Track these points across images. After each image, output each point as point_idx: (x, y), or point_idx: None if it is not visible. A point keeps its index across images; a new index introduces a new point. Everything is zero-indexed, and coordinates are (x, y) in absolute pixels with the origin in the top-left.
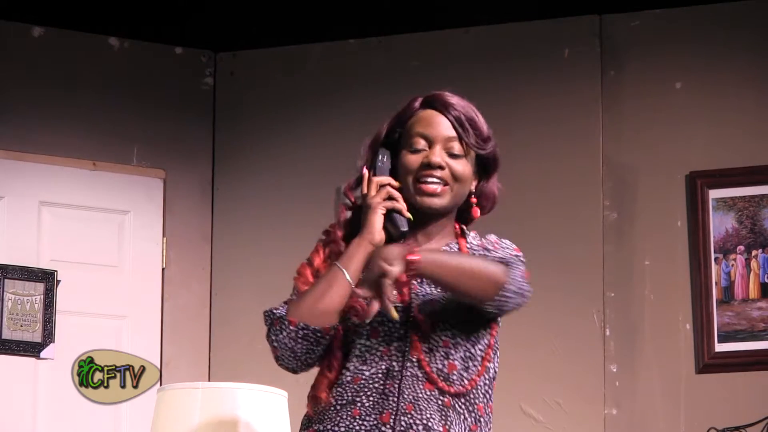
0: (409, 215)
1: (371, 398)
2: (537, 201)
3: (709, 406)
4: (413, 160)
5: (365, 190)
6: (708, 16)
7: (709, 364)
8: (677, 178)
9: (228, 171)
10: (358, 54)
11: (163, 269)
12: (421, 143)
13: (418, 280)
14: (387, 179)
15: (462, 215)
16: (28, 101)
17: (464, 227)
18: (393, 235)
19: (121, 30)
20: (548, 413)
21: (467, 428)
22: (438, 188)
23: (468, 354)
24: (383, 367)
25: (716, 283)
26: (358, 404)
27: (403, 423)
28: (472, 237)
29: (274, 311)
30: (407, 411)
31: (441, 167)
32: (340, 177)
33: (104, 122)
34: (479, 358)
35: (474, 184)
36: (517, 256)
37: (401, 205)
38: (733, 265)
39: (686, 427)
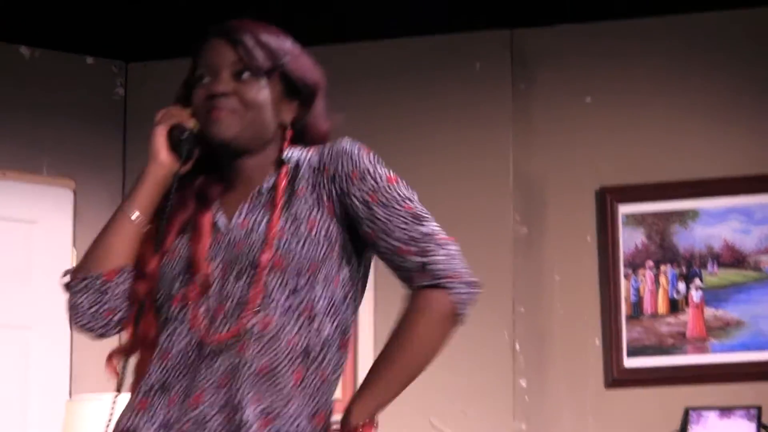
0: (191, 124)
1: None
2: (447, 215)
3: (618, 422)
4: (200, 93)
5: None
6: (618, 31)
7: (617, 379)
8: (587, 193)
9: None
10: None
11: None
12: (206, 76)
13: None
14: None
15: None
16: None
17: (283, 156)
18: (181, 152)
19: (32, 39)
20: (457, 428)
21: None
22: (222, 114)
23: None
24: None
25: (625, 299)
26: None
27: None
28: (297, 153)
29: None
30: None
31: (225, 95)
32: None
33: (14, 131)
34: None
35: (291, 116)
36: (411, 213)
37: (179, 115)
38: (642, 281)
39: None
